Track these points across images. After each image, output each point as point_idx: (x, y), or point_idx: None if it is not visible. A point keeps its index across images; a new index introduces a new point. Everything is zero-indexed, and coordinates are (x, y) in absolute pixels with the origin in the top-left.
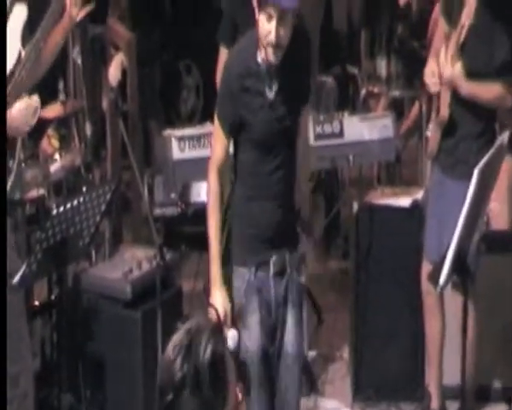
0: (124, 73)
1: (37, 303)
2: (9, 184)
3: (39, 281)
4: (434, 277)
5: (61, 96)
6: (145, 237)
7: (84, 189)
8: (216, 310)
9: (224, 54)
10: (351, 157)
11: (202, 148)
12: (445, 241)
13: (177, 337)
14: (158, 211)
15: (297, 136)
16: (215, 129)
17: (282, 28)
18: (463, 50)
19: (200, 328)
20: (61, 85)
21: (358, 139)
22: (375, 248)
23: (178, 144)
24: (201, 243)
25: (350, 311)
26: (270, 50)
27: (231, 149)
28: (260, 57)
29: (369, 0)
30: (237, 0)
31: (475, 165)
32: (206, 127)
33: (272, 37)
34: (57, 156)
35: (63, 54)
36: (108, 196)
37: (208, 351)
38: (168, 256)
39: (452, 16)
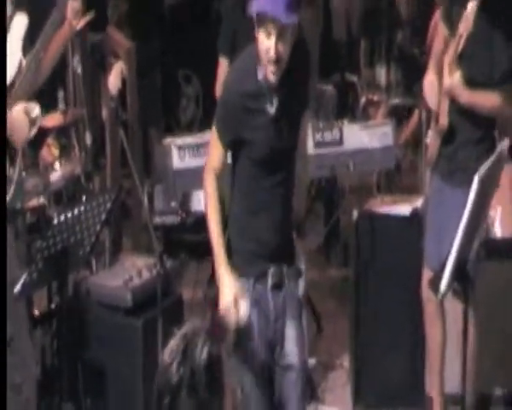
0: (123, 81)
1: (37, 312)
2: (11, 193)
3: (39, 290)
4: (435, 284)
5: (61, 105)
6: (145, 246)
7: (84, 198)
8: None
9: (223, 64)
10: (351, 165)
11: (202, 157)
12: (445, 248)
13: (174, 342)
14: (158, 219)
15: (296, 146)
16: (212, 137)
17: (282, 44)
18: (462, 59)
19: (195, 331)
20: (60, 94)
21: (358, 147)
22: (375, 255)
23: (179, 153)
24: (201, 252)
25: (350, 318)
26: (270, 68)
27: (229, 160)
28: (261, 74)
29: (368, 9)
30: (237, 10)
31: (475, 172)
32: (207, 136)
33: (272, 54)
34: (57, 165)
35: (63, 63)
36: (109, 205)
37: (204, 353)
38: (168, 264)
39: (453, 21)
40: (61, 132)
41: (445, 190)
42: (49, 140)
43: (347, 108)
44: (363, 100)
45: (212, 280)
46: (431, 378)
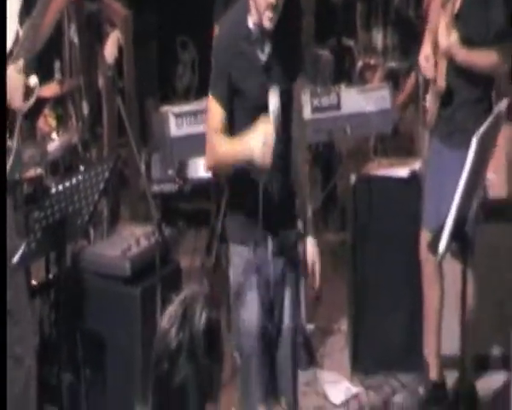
0: (120, 49)
1: (34, 283)
2: (9, 164)
3: (37, 260)
4: (434, 245)
5: (58, 75)
6: (142, 215)
7: (82, 167)
8: None
9: None
10: (348, 129)
11: (200, 124)
12: (443, 209)
13: (172, 307)
14: (155, 188)
15: (291, 105)
16: (210, 103)
17: None
18: (459, 19)
19: (194, 296)
20: (57, 64)
21: (356, 111)
22: (373, 219)
23: (176, 121)
24: (199, 220)
25: (348, 283)
26: (267, 14)
27: None
28: (251, 22)
29: None
30: None
31: (473, 133)
32: (204, 103)
33: None
34: (54, 135)
35: (59, 32)
36: (107, 174)
37: (203, 319)
38: (166, 233)
39: None
40: (58, 102)
41: (444, 151)
42: (46, 110)
43: (344, 72)
44: (359, 64)
45: (209, 248)
46: (428, 339)
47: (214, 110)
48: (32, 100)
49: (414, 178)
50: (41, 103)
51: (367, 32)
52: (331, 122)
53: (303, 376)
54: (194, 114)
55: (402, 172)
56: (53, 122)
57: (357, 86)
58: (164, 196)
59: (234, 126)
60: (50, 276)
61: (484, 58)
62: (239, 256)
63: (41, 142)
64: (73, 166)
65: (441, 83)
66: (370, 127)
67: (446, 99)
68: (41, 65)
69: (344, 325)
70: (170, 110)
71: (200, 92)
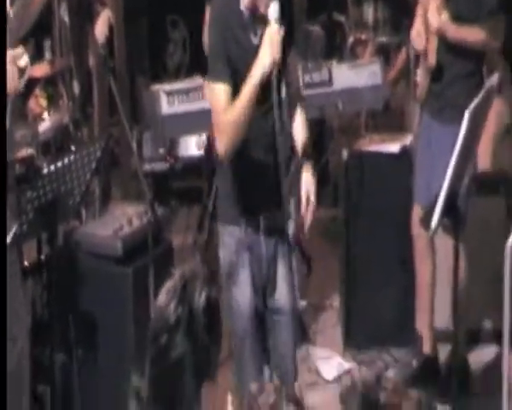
0: (111, 28)
1: (26, 263)
2: None
3: (29, 241)
4: (426, 220)
5: (48, 55)
6: (134, 194)
7: (73, 147)
8: None
9: None
10: (340, 105)
11: (191, 102)
12: (435, 185)
13: (171, 282)
14: (147, 166)
15: (284, 82)
16: (212, 89)
17: None
18: None
19: (194, 274)
20: (47, 44)
21: (347, 87)
22: (365, 194)
23: (167, 99)
24: (191, 198)
25: (340, 259)
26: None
27: None
28: (243, 5)
29: None
30: None
31: (464, 108)
32: (195, 81)
33: None
34: (45, 115)
35: (49, 12)
36: (98, 154)
37: (203, 296)
38: (159, 212)
39: None
40: (49, 82)
41: (435, 126)
42: (37, 90)
43: (335, 48)
44: (350, 39)
45: (201, 225)
46: (421, 314)
47: (218, 93)
48: (24, 78)
49: (405, 153)
50: (32, 83)
51: (358, 8)
52: (323, 98)
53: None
54: (186, 92)
55: (393, 147)
56: (44, 102)
57: (349, 62)
58: (155, 174)
59: None
60: (42, 256)
61: (474, 34)
62: (230, 236)
63: (32, 122)
64: (65, 146)
65: (432, 58)
66: (362, 103)
67: (437, 75)
68: (31, 44)
69: (336, 301)
70: (161, 88)
71: (191, 70)
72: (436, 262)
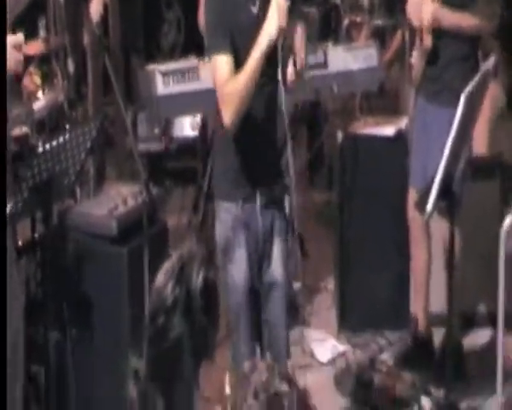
0: (105, 7)
1: (20, 243)
2: None
3: (24, 220)
4: (421, 204)
5: (42, 33)
6: (128, 174)
7: (68, 126)
8: None
9: None
10: (335, 87)
11: (187, 82)
12: (430, 168)
13: (169, 264)
14: (142, 146)
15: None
16: (215, 62)
17: None
18: None
19: (192, 255)
20: (41, 22)
21: (343, 69)
22: (360, 177)
23: (163, 79)
24: (185, 178)
25: (334, 241)
26: None
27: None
28: None
29: None
30: None
31: (459, 91)
32: (191, 62)
33: None
34: (40, 94)
35: None
36: (94, 133)
37: (200, 277)
38: (154, 192)
39: None
40: (43, 60)
41: (430, 110)
42: (31, 69)
43: (331, 30)
44: (346, 22)
45: (196, 206)
46: (416, 298)
47: (220, 64)
48: (19, 57)
49: (400, 136)
50: (26, 61)
51: None
52: (319, 80)
53: (290, 334)
54: (182, 72)
55: (388, 130)
56: (38, 80)
57: (344, 44)
58: (150, 154)
59: None
60: (36, 235)
61: (468, 20)
62: (227, 212)
63: (27, 100)
64: (59, 124)
65: (427, 41)
66: (357, 85)
67: (432, 58)
68: (25, 22)
69: (331, 283)
70: (157, 68)
71: (185, 51)
72: (431, 245)
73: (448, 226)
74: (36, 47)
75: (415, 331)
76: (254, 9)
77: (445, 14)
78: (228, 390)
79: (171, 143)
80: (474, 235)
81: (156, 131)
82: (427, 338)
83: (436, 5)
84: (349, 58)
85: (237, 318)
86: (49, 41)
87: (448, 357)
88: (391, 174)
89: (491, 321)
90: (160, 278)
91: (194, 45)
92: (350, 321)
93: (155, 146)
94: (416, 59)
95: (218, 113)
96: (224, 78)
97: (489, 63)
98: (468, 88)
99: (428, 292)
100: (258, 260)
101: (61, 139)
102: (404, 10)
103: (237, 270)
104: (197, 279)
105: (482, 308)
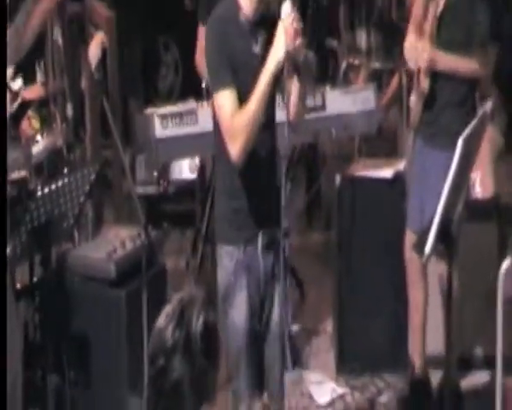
0: (104, 51)
1: (18, 286)
2: None
3: (22, 263)
4: (419, 246)
5: (41, 77)
6: (127, 216)
7: (66, 170)
8: None
9: (203, 32)
10: (333, 130)
11: (185, 125)
12: (428, 210)
13: (170, 306)
14: (140, 189)
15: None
16: (219, 98)
17: None
18: (444, 19)
19: (192, 298)
20: (40, 66)
21: (341, 112)
22: (358, 219)
23: (161, 122)
24: (184, 221)
25: (333, 283)
26: (254, 5)
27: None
28: (242, 15)
29: None
30: None
31: (457, 135)
32: (189, 105)
33: None
34: (39, 137)
35: (42, 34)
36: (93, 176)
37: (200, 321)
38: (152, 235)
39: None
40: (42, 104)
41: (428, 152)
42: (30, 113)
43: (328, 73)
44: (343, 65)
45: (195, 248)
46: (413, 339)
47: (224, 99)
48: (16, 103)
49: (398, 178)
50: (24, 106)
51: (351, 33)
52: (317, 123)
53: (288, 376)
54: (180, 115)
55: (386, 172)
56: (37, 124)
57: (342, 87)
58: (148, 197)
59: None
60: (35, 279)
61: (465, 64)
62: (228, 257)
63: (25, 144)
64: (58, 168)
65: (424, 84)
66: (355, 128)
67: (429, 101)
68: (24, 67)
69: (330, 325)
70: (155, 111)
71: (183, 93)
72: (428, 287)
73: (446, 268)
74: (34, 91)
75: (412, 373)
76: (256, 48)
77: (441, 57)
78: None
79: (169, 185)
80: (472, 277)
81: (154, 174)
82: (425, 380)
83: (433, 48)
84: (347, 101)
85: (237, 360)
86: (48, 85)
87: (446, 399)
88: (389, 216)
89: (489, 363)
90: (161, 319)
91: (192, 87)
92: (348, 363)
93: (153, 189)
94: (413, 102)
95: (222, 151)
96: (231, 111)
97: (487, 106)
98: (466, 132)
99: (425, 333)
100: (260, 304)
101: (59, 183)
102: (401, 53)
103: (238, 313)
104: (197, 322)
105: (479, 351)
